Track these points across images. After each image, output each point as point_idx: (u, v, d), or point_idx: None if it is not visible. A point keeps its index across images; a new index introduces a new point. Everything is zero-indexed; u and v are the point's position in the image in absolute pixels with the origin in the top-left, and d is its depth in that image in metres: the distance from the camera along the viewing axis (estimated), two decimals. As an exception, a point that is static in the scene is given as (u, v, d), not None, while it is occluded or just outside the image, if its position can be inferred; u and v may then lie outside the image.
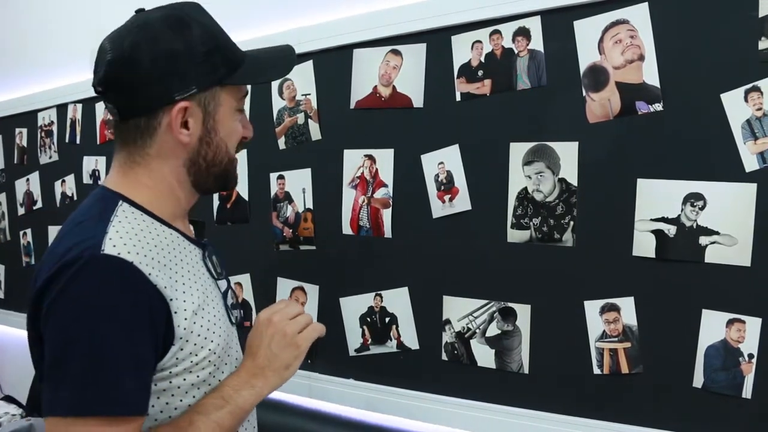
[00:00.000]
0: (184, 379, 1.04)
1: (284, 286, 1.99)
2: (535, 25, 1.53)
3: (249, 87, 1.20)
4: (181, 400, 1.04)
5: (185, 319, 1.02)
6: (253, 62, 1.16)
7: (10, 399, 2.82)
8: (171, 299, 1.00)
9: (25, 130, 2.86)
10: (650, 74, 1.40)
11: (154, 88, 1.05)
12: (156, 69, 1.04)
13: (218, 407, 1.05)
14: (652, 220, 1.41)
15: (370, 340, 1.83)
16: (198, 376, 1.05)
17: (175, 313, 1.00)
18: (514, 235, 1.58)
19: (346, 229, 1.85)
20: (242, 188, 2.07)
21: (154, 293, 0.98)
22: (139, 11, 1.10)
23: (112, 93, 1.07)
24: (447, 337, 1.69)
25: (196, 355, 1.04)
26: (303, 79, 1.91)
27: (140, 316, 0.96)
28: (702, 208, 1.36)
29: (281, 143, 1.97)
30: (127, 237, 0.99)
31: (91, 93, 2.65)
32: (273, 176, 1.99)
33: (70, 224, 1.05)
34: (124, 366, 0.93)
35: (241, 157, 2.02)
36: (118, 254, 0.95)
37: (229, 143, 1.15)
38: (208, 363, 1.06)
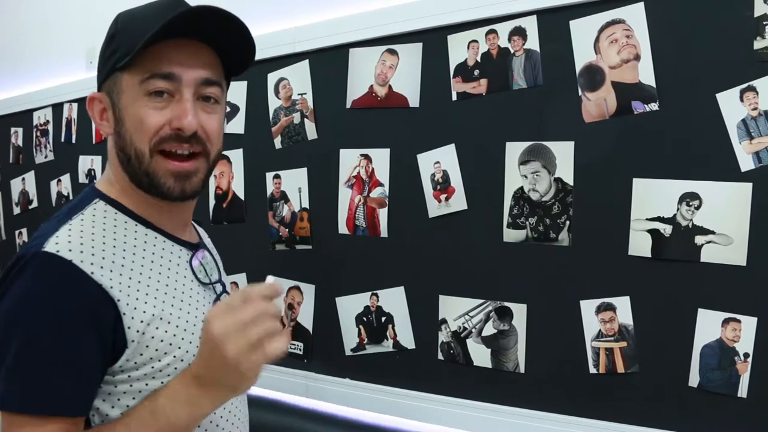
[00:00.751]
0: (147, 384, 0.98)
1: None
2: (531, 24, 1.53)
3: (154, 66, 1.00)
4: None
5: (141, 321, 0.96)
6: (128, 28, 1.03)
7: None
8: (119, 300, 0.95)
9: (20, 130, 2.86)
10: (646, 74, 1.40)
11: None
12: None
13: (145, 425, 0.93)
14: (647, 219, 1.41)
15: (366, 339, 1.83)
16: (162, 383, 0.98)
17: (125, 314, 0.95)
18: (510, 235, 1.58)
19: (342, 229, 1.85)
20: (238, 188, 2.07)
21: (97, 292, 0.93)
22: None
23: None
24: (443, 336, 1.69)
25: (159, 360, 0.98)
26: (299, 79, 1.91)
27: (77, 314, 0.92)
28: (698, 208, 1.36)
29: (277, 143, 1.97)
30: (77, 235, 0.97)
31: (87, 92, 2.64)
32: (269, 176, 1.99)
33: (45, 222, 1.05)
34: (54, 365, 0.90)
35: (237, 156, 2.04)
36: (57, 252, 0.93)
37: (133, 133, 1.00)
38: (174, 370, 0.99)
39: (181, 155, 1.02)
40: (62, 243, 0.95)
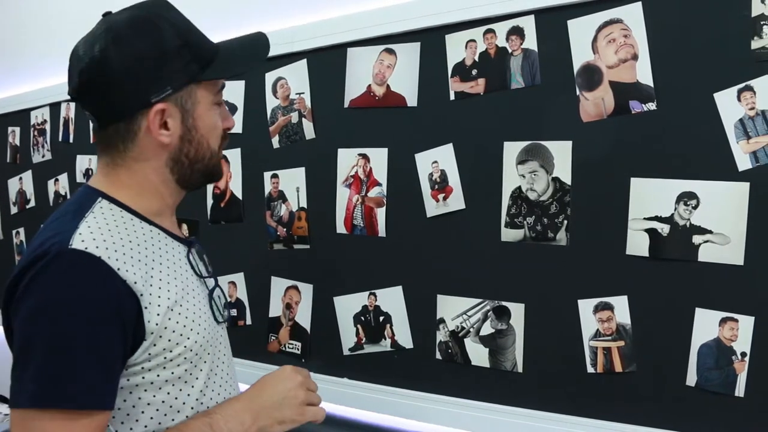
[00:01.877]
0: (158, 375, 1.03)
1: (278, 285, 1.99)
2: (528, 24, 1.53)
3: (219, 83, 1.18)
4: (154, 396, 1.03)
5: (158, 314, 1.01)
6: (226, 54, 1.15)
7: (3, 399, 2.81)
8: (141, 294, 0.99)
9: (17, 129, 2.85)
10: (644, 73, 1.40)
11: (129, 93, 1.05)
12: (127, 73, 1.04)
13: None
14: (645, 219, 1.41)
15: (364, 339, 1.83)
16: (173, 373, 1.04)
17: (146, 308, 1.00)
18: (508, 234, 1.58)
19: (340, 228, 1.85)
20: (236, 187, 2.07)
21: (122, 288, 0.97)
22: (106, 14, 1.11)
23: (87, 100, 1.08)
24: (441, 336, 1.69)
25: (171, 351, 1.03)
26: (297, 78, 1.91)
27: (106, 311, 0.95)
28: (695, 207, 1.36)
29: (275, 142, 1.96)
30: (98, 232, 1.00)
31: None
32: (267, 175, 1.99)
33: (49, 220, 1.06)
34: (86, 360, 0.93)
35: (235, 155, 2.04)
36: (85, 249, 0.96)
37: (210, 139, 1.14)
38: (184, 360, 1.05)
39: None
40: (88, 240, 0.97)
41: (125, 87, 1.04)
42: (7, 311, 1.00)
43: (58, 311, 0.93)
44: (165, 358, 1.03)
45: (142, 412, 1.03)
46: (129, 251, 1.01)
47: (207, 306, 1.15)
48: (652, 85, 1.39)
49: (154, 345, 1.01)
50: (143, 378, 1.02)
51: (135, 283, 0.99)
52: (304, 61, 1.89)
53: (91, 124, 2.49)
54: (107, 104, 1.07)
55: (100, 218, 1.03)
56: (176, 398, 1.06)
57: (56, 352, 0.92)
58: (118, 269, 0.97)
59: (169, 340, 1.03)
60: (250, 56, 1.23)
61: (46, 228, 1.03)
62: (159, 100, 1.06)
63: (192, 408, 1.08)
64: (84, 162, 2.53)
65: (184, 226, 1.14)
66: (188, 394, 1.07)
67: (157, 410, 1.04)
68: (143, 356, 1.01)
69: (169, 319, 1.03)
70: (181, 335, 1.05)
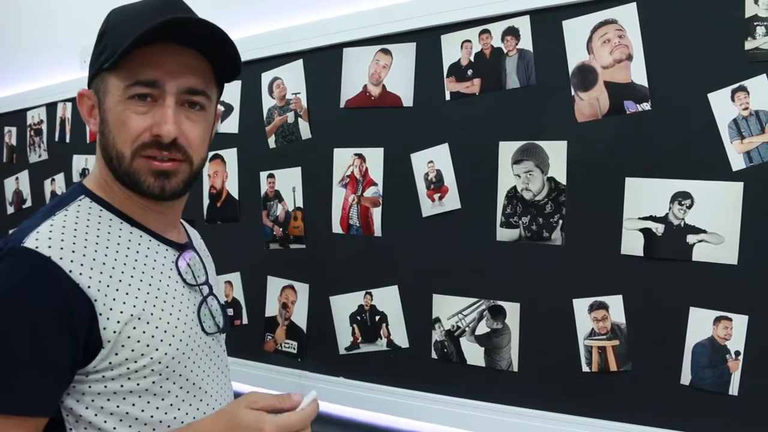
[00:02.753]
0: (121, 386, 0.97)
1: (274, 284, 1.99)
2: (524, 24, 1.53)
3: (139, 72, 1.00)
4: (117, 406, 0.97)
5: (117, 322, 0.95)
6: (117, 32, 1.01)
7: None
8: (95, 299, 0.93)
9: (14, 129, 2.85)
10: (638, 74, 1.41)
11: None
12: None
13: None
14: (640, 218, 1.42)
15: (360, 338, 1.83)
16: (138, 384, 0.98)
17: (101, 314, 0.94)
18: (504, 234, 1.58)
19: (336, 228, 1.85)
20: (232, 187, 2.07)
21: (73, 290, 0.92)
22: None
23: None
24: (437, 335, 1.70)
25: (135, 362, 0.97)
26: (293, 78, 1.91)
27: (51, 312, 0.90)
28: (689, 207, 1.36)
29: (271, 142, 1.97)
30: (59, 231, 0.95)
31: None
32: (263, 175, 1.99)
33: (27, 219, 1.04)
34: (22, 363, 0.88)
35: (231, 155, 2.04)
36: (35, 248, 0.91)
37: (115, 135, 1.00)
38: (151, 372, 0.98)
39: (161, 160, 1.02)
40: (42, 239, 0.93)
41: None
42: None
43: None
44: (128, 368, 0.96)
45: (105, 422, 0.96)
46: (91, 253, 0.96)
47: (192, 315, 1.08)
48: (646, 85, 1.40)
49: (116, 354, 0.95)
50: (105, 387, 0.96)
51: (89, 287, 0.93)
52: (300, 61, 1.89)
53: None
54: None
55: (71, 217, 0.99)
56: (143, 411, 0.99)
57: None
58: (70, 271, 0.92)
59: (133, 350, 0.96)
60: (143, 23, 0.97)
61: (20, 225, 0.99)
62: (89, 85, 1.05)
63: (169, 425, 1.01)
64: (80, 162, 2.53)
65: (183, 229, 1.11)
66: (157, 407, 1.00)
67: (121, 420, 0.97)
68: (103, 364, 0.95)
69: (134, 328, 0.97)
70: (148, 346, 0.98)
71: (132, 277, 1.00)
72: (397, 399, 1.75)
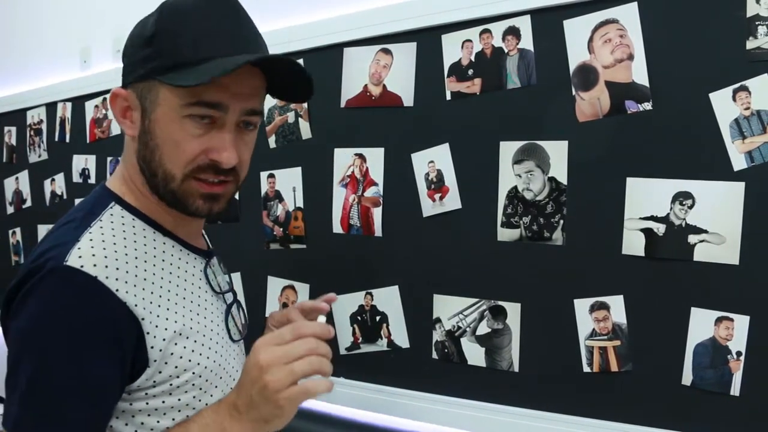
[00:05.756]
0: (163, 402, 0.95)
1: (275, 285, 1.98)
2: (524, 24, 1.53)
3: (204, 93, 0.92)
4: (158, 422, 0.95)
5: (163, 339, 0.93)
6: (211, 65, 0.91)
7: (-1, 399, 2.80)
8: (143, 318, 0.91)
9: (14, 129, 2.85)
10: (639, 73, 1.40)
11: (122, 71, 0.99)
12: (124, 51, 0.98)
13: None
14: (641, 218, 1.41)
15: (360, 338, 1.83)
16: (179, 399, 0.96)
17: (148, 333, 0.91)
18: (504, 234, 1.58)
19: (337, 228, 1.85)
20: (232, 187, 2.06)
21: (121, 311, 0.89)
22: None
23: None
24: (437, 335, 1.69)
25: (177, 377, 0.95)
26: (293, 78, 1.91)
27: (99, 336, 0.87)
28: (691, 207, 1.36)
29: (271, 142, 1.96)
30: (101, 246, 0.90)
31: (81, 92, 2.64)
32: (263, 175, 1.99)
33: (59, 222, 0.98)
34: (69, 389, 0.86)
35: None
36: (81, 267, 0.87)
37: (164, 153, 0.94)
38: (192, 387, 0.97)
39: (212, 183, 0.98)
40: (86, 256, 0.88)
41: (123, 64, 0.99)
42: (4, 321, 0.94)
43: (44, 337, 0.85)
44: (171, 384, 0.94)
45: None
46: (133, 269, 0.92)
47: (222, 325, 1.06)
48: (647, 85, 1.39)
49: (159, 372, 0.93)
50: (147, 404, 0.94)
51: (136, 306, 0.90)
52: (301, 61, 1.89)
53: (86, 120, 2.49)
54: None
55: (107, 228, 0.94)
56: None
57: (39, 382, 0.85)
58: (117, 290, 0.88)
59: (176, 367, 0.94)
60: (214, 71, 0.90)
61: (51, 234, 0.95)
62: (128, 84, 0.97)
63: None
64: (80, 162, 2.53)
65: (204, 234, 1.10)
66: None
67: None
68: (147, 383, 0.93)
69: (176, 344, 0.94)
70: (190, 361, 0.96)
71: (169, 291, 0.97)
72: (398, 399, 1.75)
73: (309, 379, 0.91)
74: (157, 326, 0.92)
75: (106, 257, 0.90)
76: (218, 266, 1.14)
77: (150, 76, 0.93)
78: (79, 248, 0.89)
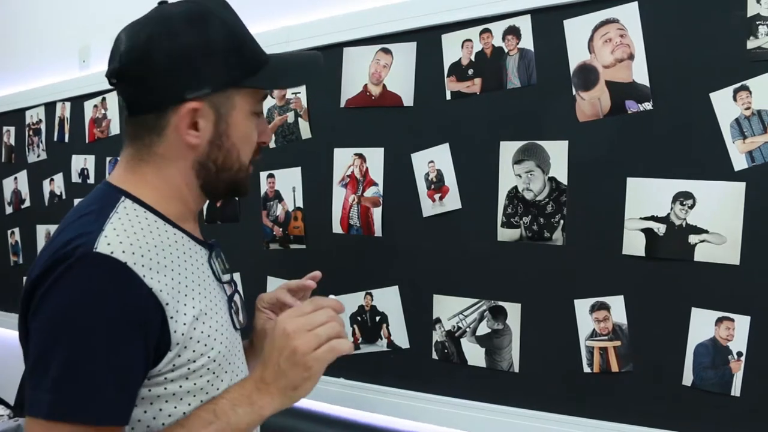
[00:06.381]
0: (180, 386, 0.98)
1: (274, 285, 1.98)
2: (525, 24, 1.53)
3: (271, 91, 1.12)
4: (175, 407, 0.98)
5: (184, 324, 0.96)
6: (276, 66, 1.09)
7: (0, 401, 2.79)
8: (167, 303, 0.94)
9: (12, 129, 2.84)
10: (640, 73, 1.40)
11: (166, 85, 1.00)
12: (169, 65, 0.99)
13: (206, 423, 0.96)
14: (641, 218, 1.41)
15: (360, 339, 1.83)
16: (195, 384, 0.99)
17: (171, 318, 0.94)
18: (504, 234, 1.58)
19: (336, 228, 1.84)
20: (232, 187, 2.06)
21: (148, 297, 0.92)
22: (162, 3, 1.05)
23: (123, 85, 1.03)
24: (437, 335, 1.69)
25: (194, 362, 0.98)
26: (293, 78, 1.91)
27: (129, 321, 0.90)
28: (691, 207, 1.36)
29: (271, 142, 1.96)
30: (125, 235, 0.94)
31: (80, 91, 2.63)
32: (263, 175, 1.99)
33: (72, 216, 1.00)
34: (104, 372, 0.89)
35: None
36: (111, 253, 0.90)
37: (241, 149, 1.07)
38: (207, 371, 1.00)
39: None
40: (114, 243, 0.92)
41: (164, 79, 0.99)
42: (25, 312, 0.95)
43: (79, 322, 0.88)
44: (189, 369, 0.98)
45: (163, 424, 0.97)
46: (155, 257, 0.96)
47: (227, 313, 1.09)
48: (648, 84, 1.39)
49: (179, 356, 0.96)
50: (165, 389, 0.97)
51: (160, 291, 0.93)
52: (300, 60, 1.88)
53: (85, 120, 2.49)
54: (142, 93, 1.01)
55: (125, 220, 0.97)
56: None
57: (73, 364, 0.87)
58: (144, 276, 0.92)
59: (194, 351, 0.98)
60: (300, 74, 1.19)
61: (71, 226, 0.96)
62: (194, 98, 1.00)
63: None
64: (80, 162, 2.52)
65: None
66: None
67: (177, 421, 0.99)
68: (167, 367, 0.96)
69: (194, 329, 0.98)
70: (206, 345, 1.00)
71: (186, 278, 1.01)
72: (398, 399, 1.75)
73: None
74: (178, 311, 0.96)
75: (131, 245, 0.93)
76: (221, 258, 1.18)
77: (233, 85, 1.04)
78: (105, 236, 0.92)
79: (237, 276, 2.05)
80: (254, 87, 1.06)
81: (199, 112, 1.01)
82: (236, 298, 1.16)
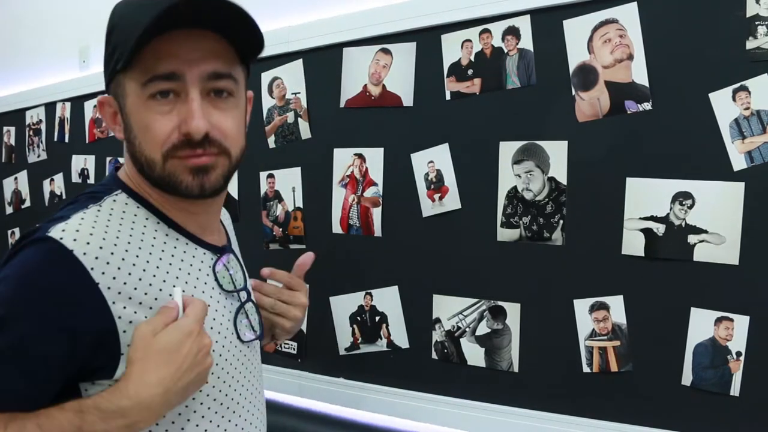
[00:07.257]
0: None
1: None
2: (524, 24, 1.53)
3: (154, 66, 0.91)
4: (156, 425, 0.91)
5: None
6: (123, 27, 0.92)
7: None
8: (114, 302, 0.87)
9: (13, 129, 2.84)
10: (639, 73, 1.40)
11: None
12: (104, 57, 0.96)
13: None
14: (641, 218, 1.41)
15: (360, 339, 1.83)
16: (194, 398, 0.94)
17: (119, 318, 0.87)
18: (504, 234, 1.58)
19: (336, 228, 1.84)
20: (232, 187, 2.05)
21: (87, 288, 0.85)
22: None
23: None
24: (437, 335, 1.69)
25: None
26: (293, 78, 1.91)
27: (54, 305, 0.84)
28: (690, 207, 1.36)
29: (271, 142, 1.96)
30: (88, 226, 0.88)
31: (80, 92, 2.63)
32: (263, 175, 1.99)
33: (63, 204, 0.98)
34: (9, 354, 0.81)
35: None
36: (60, 239, 0.85)
37: (142, 140, 0.93)
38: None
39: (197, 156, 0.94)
40: (69, 231, 0.87)
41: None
42: None
43: (6, 297, 0.83)
44: None
45: None
46: (121, 252, 0.89)
47: (228, 324, 1.02)
48: (647, 85, 1.39)
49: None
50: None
51: (108, 288, 0.86)
52: (300, 60, 1.88)
53: (85, 120, 2.49)
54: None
55: (104, 213, 0.92)
56: (182, 429, 0.95)
57: None
58: (92, 269, 0.85)
59: None
60: (148, 12, 0.87)
61: (56, 213, 0.94)
62: (108, 91, 0.97)
63: None
64: (80, 162, 2.52)
65: (222, 229, 1.04)
66: (197, 425, 0.96)
67: None
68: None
69: None
70: None
71: (164, 282, 0.93)
72: (397, 399, 1.75)
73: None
74: (135, 312, 0.89)
75: (90, 235, 0.88)
76: (234, 261, 1.10)
77: (114, 73, 0.93)
78: (66, 223, 0.88)
79: (237, 276, 2.05)
80: (121, 68, 0.90)
81: (106, 105, 0.98)
82: (248, 306, 1.09)
